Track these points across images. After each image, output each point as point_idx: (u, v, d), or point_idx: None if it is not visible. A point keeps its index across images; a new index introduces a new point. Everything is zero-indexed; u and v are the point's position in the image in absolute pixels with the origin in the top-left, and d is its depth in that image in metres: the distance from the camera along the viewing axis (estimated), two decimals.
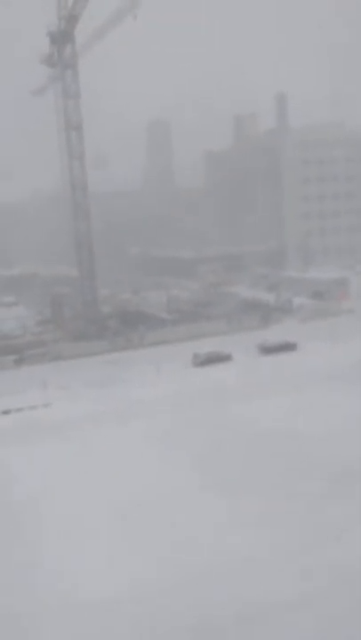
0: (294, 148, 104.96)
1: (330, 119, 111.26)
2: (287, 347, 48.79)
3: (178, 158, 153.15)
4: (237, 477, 26.38)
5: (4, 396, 40.85)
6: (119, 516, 23.81)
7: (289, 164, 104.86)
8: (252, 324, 58.63)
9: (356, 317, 58.57)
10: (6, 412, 38.28)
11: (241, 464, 27.76)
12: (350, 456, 27.19)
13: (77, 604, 18.60)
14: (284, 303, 65.52)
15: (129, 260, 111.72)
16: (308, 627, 16.82)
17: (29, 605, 18.80)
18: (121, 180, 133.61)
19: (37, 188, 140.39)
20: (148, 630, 17.27)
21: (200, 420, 33.95)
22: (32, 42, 75.82)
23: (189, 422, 33.81)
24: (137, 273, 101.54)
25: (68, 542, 22.19)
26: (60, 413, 37.24)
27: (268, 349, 48.58)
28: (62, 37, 61.42)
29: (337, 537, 20.83)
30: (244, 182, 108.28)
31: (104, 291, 74.30)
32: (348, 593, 17.96)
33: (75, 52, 62.34)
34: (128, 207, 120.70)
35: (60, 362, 50.77)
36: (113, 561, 20.76)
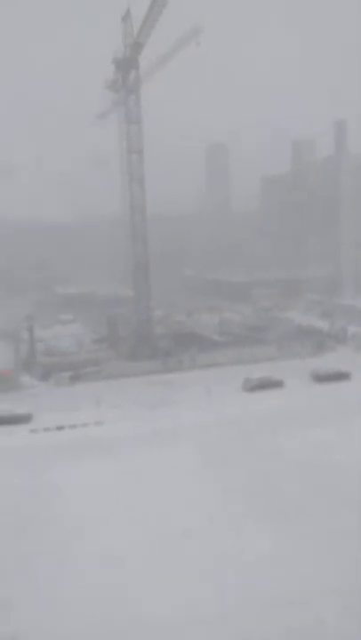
0: (352, 175, 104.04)
1: None
2: (341, 376, 48.35)
3: (235, 182, 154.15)
4: (280, 508, 26.38)
5: (58, 412, 41.99)
6: (162, 541, 24.19)
7: (346, 190, 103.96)
8: (305, 350, 58.27)
9: None
10: (60, 428, 39.20)
11: (286, 495, 27.71)
12: None
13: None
14: (339, 331, 64.80)
15: (184, 282, 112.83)
16: None
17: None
18: (179, 204, 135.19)
19: (99, 210, 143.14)
20: None
21: (249, 447, 34.02)
22: (98, 68, 78.25)
23: (238, 448, 33.95)
24: (192, 295, 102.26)
25: (112, 564, 22.67)
26: (111, 432, 37.92)
27: (321, 377, 48.22)
28: (127, 64, 63.40)
29: None
30: (301, 207, 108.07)
31: (159, 312, 75.22)
32: None
33: (138, 78, 64.07)
34: (186, 230, 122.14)
35: (112, 380, 51.57)
36: (153, 573, 21.14)
